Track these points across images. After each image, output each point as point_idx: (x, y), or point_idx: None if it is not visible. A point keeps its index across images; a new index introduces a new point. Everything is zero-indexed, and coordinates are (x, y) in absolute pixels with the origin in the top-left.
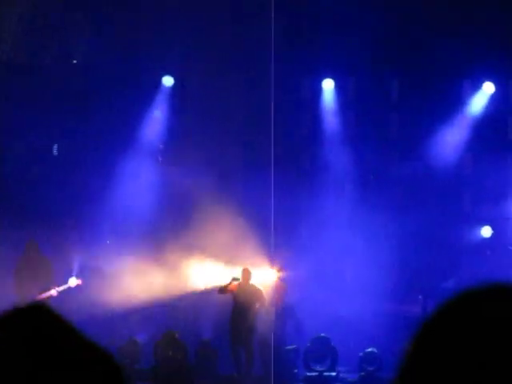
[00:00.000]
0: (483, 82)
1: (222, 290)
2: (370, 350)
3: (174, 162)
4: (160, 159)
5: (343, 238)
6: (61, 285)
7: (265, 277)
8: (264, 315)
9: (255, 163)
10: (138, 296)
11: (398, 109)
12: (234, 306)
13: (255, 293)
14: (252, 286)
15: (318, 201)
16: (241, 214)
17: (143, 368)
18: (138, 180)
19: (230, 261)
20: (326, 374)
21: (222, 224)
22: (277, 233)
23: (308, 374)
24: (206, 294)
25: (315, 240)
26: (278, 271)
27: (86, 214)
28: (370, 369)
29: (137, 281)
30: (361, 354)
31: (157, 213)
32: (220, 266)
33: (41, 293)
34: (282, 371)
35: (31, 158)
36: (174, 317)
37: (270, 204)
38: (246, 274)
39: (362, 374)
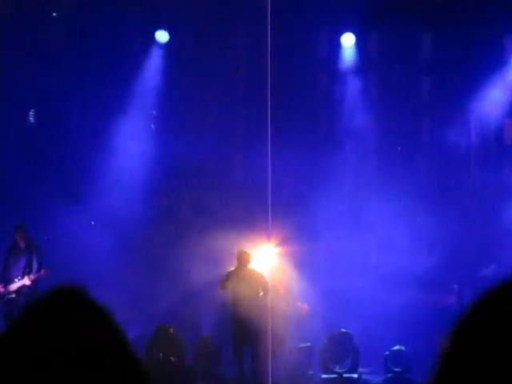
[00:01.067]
0: None
1: (225, 285)
2: (397, 347)
3: (168, 130)
4: (153, 127)
5: (365, 214)
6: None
7: (267, 258)
8: (275, 308)
9: (260, 131)
10: (127, 284)
11: (430, 68)
12: (233, 297)
13: (256, 279)
14: (251, 270)
15: (336, 173)
16: (241, 186)
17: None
18: (130, 149)
19: (227, 238)
20: (346, 375)
21: (217, 198)
22: (291, 210)
23: (325, 375)
24: (205, 281)
25: (330, 215)
26: (278, 245)
27: (73, 192)
28: (397, 370)
29: (127, 265)
30: (387, 352)
31: (149, 190)
32: (218, 245)
33: (10, 283)
34: (294, 373)
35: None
36: (168, 309)
37: (280, 175)
38: (244, 256)
39: (388, 375)
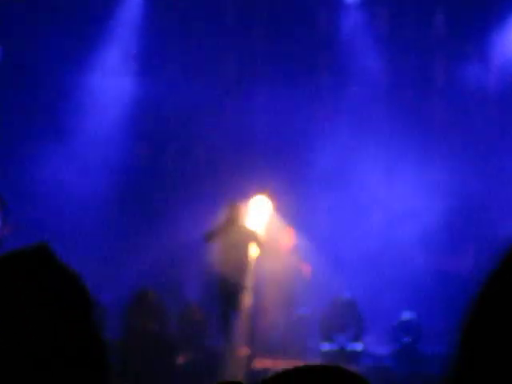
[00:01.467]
0: None
1: (211, 236)
2: (406, 316)
3: (150, 72)
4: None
5: (371, 166)
6: None
7: (261, 213)
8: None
9: (252, 72)
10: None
11: None
12: (223, 257)
13: (247, 236)
14: (242, 227)
15: (339, 120)
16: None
17: (107, 340)
18: (110, 89)
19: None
20: (349, 347)
21: (205, 146)
22: (289, 160)
23: (326, 347)
24: (193, 239)
25: (333, 169)
26: (274, 199)
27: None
28: (406, 340)
29: (106, 217)
30: (395, 321)
31: (130, 136)
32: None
33: None
34: (291, 343)
35: None
36: (148, 271)
37: (275, 121)
38: (235, 211)
39: (396, 347)
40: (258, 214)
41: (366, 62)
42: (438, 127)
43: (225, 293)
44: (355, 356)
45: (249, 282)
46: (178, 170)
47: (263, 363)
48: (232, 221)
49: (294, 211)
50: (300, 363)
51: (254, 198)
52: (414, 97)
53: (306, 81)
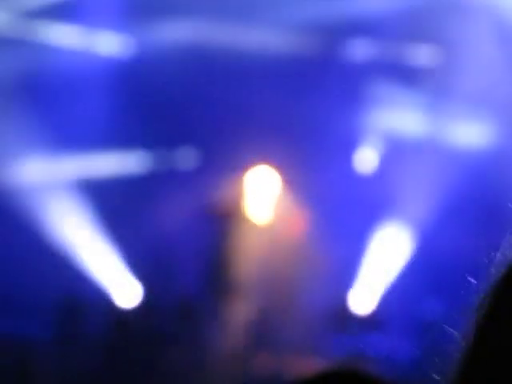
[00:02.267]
0: None
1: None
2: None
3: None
4: None
5: (391, 134)
6: None
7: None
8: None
9: None
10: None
11: None
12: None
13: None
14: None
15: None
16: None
17: (89, 334)
18: None
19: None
20: (367, 343)
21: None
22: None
23: (342, 341)
24: (187, 224)
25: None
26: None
27: None
28: (432, 344)
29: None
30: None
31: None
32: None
33: None
34: (304, 337)
35: None
36: (137, 262)
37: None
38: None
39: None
40: (261, 190)
41: None
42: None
43: (225, 283)
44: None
45: (251, 273)
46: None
47: (266, 361)
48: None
49: (308, 188)
50: (308, 362)
51: (256, 169)
52: None
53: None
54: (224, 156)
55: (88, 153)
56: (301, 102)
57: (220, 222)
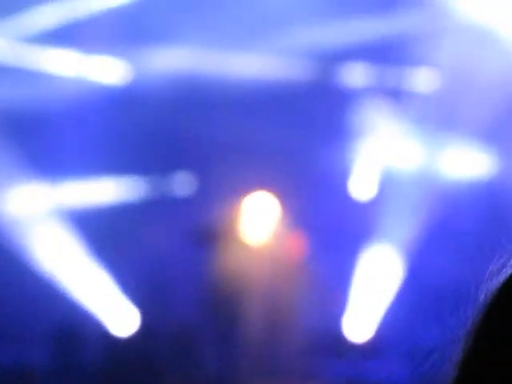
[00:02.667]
0: None
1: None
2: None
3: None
4: None
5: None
6: None
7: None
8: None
9: None
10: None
11: None
12: (221, 271)
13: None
14: (241, 237)
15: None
16: None
17: (86, 365)
18: None
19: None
20: (364, 367)
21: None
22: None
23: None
24: (181, 250)
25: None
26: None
27: None
28: (429, 370)
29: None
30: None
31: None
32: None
33: None
34: (303, 362)
35: None
36: (133, 288)
37: None
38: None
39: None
40: (259, 215)
41: None
42: None
43: (224, 310)
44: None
45: (250, 297)
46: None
47: None
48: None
49: (306, 214)
50: None
51: (255, 195)
52: None
53: None
54: (220, 182)
55: (83, 179)
56: (298, 129)
57: (216, 247)
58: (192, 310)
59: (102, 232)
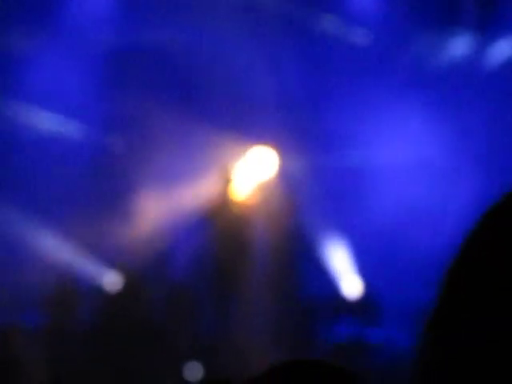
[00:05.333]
0: None
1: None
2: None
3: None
4: None
5: (399, 122)
6: None
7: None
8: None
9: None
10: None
11: None
12: (217, 234)
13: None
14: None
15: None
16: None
17: (81, 323)
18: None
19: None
20: (365, 338)
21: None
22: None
23: (337, 332)
24: (180, 209)
25: (354, 123)
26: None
27: None
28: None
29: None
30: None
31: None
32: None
33: None
34: (296, 329)
35: None
36: (127, 249)
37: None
38: (228, 180)
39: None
40: (258, 171)
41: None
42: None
43: (220, 271)
44: (371, 347)
45: (247, 259)
46: (161, 121)
47: (264, 354)
48: (225, 194)
49: (304, 174)
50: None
51: (254, 150)
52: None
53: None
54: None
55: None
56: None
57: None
58: (191, 272)
59: None
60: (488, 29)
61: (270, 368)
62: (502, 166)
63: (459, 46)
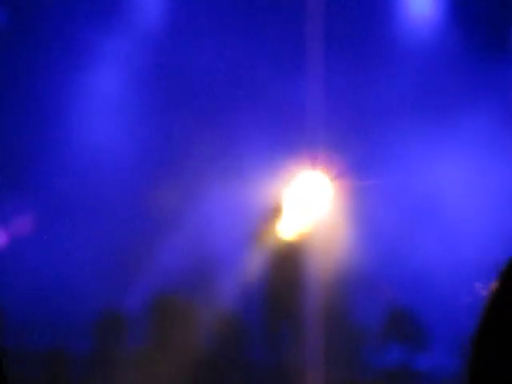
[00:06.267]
0: None
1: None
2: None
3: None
4: None
5: (446, 143)
6: None
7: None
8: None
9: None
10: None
11: None
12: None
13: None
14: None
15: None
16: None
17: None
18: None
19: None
20: (412, 365)
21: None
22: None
23: (384, 364)
24: (229, 237)
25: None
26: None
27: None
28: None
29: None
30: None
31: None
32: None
33: None
34: (341, 358)
35: None
36: (176, 274)
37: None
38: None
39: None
40: (309, 200)
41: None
42: None
43: (272, 297)
44: (420, 375)
45: (301, 284)
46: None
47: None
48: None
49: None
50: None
51: (304, 174)
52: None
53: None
54: None
55: None
56: None
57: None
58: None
59: None
60: None
61: None
62: None
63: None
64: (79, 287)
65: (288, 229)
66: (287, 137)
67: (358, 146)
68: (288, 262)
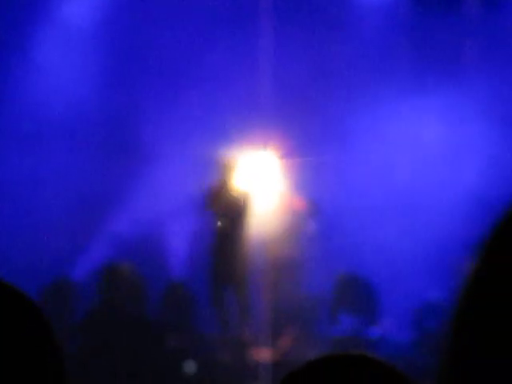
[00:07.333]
0: None
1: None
2: (432, 296)
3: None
4: None
5: (396, 119)
6: None
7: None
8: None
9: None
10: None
11: None
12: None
13: (241, 202)
14: (236, 192)
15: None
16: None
17: (76, 321)
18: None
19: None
20: (363, 332)
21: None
22: (296, 114)
23: (336, 332)
24: (178, 203)
25: (352, 123)
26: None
27: None
28: (432, 325)
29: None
30: (418, 303)
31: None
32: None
33: None
34: (296, 327)
35: None
36: (124, 241)
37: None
38: (229, 171)
39: (420, 333)
40: (257, 174)
41: None
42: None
43: (218, 266)
44: (371, 343)
45: (246, 253)
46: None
47: (263, 352)
48: (226, 185)
49: (306, 173)
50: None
51: (254, 152)
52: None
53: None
54: None
55: None
56: None
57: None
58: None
59: None
60: None
61: (307, 363)
62: None
63: None
64: (31, 254)
65: (236, 200)
66: (238, 114)
67: (308, 124)
68: (236, 231)
